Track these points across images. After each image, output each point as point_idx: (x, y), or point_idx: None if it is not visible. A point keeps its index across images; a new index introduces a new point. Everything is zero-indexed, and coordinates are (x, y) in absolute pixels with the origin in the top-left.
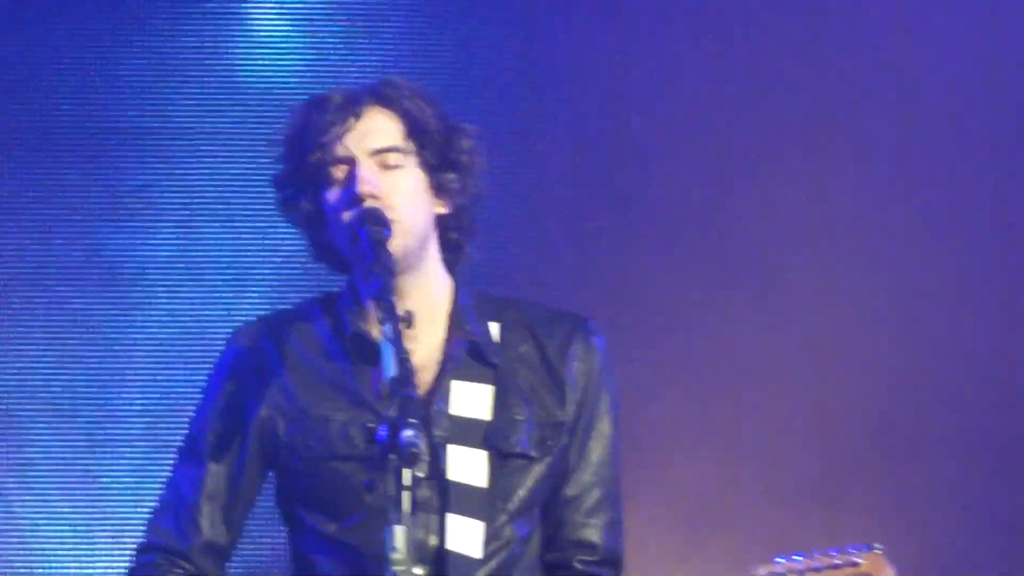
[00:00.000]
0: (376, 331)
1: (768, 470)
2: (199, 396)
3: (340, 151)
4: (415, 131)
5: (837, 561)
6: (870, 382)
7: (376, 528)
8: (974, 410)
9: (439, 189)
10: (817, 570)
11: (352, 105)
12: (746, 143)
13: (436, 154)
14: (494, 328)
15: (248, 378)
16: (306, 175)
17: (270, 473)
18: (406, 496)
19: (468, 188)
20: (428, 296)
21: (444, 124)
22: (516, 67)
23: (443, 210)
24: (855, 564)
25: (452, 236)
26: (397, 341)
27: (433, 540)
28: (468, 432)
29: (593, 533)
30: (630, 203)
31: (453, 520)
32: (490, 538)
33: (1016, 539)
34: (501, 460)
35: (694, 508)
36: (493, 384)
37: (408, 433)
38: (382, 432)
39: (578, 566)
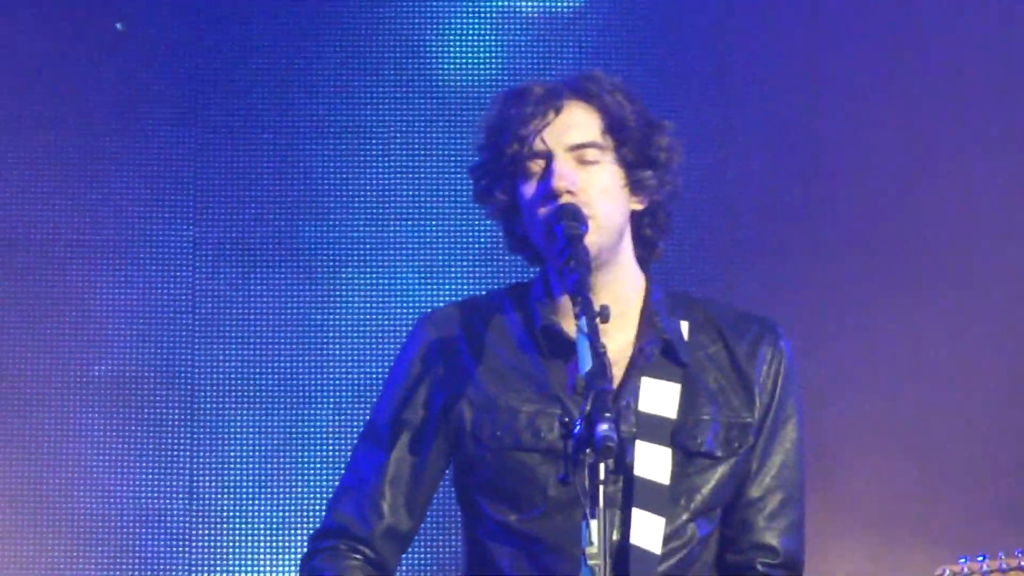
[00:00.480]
0: (567, 324)
1: (957, 472)
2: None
3: (538, 145)
4: (614, 127)
5: (1001, 563)
6: None
7: (558, 520)
8: None
9: (635, 185)
10: (1002, 571)
11: (552, 98)
12: (941, 144)
13: (634, 150)
14: (684, 327)
15: (435, 365)
16: (503, 167)
17: (451, 462)
18: (600, 491)
19: (665, 185)
20: (621, 292)
21: (643, 120)
22: (711, 68)
23: (638, 206)
24: (1022, 566)
25: (647, 232)
26: (593, 335)
27: (615, 534)
28: (655, 429)
29: (774, 536)
30: (822, 206)
31: (637, 515)
32: (671, 535)
33: None
34: (686, 459)
35: (883, 509)
36: (681, 383)
37: (603, 427)
38: (577, 426)
39: (759, 568)
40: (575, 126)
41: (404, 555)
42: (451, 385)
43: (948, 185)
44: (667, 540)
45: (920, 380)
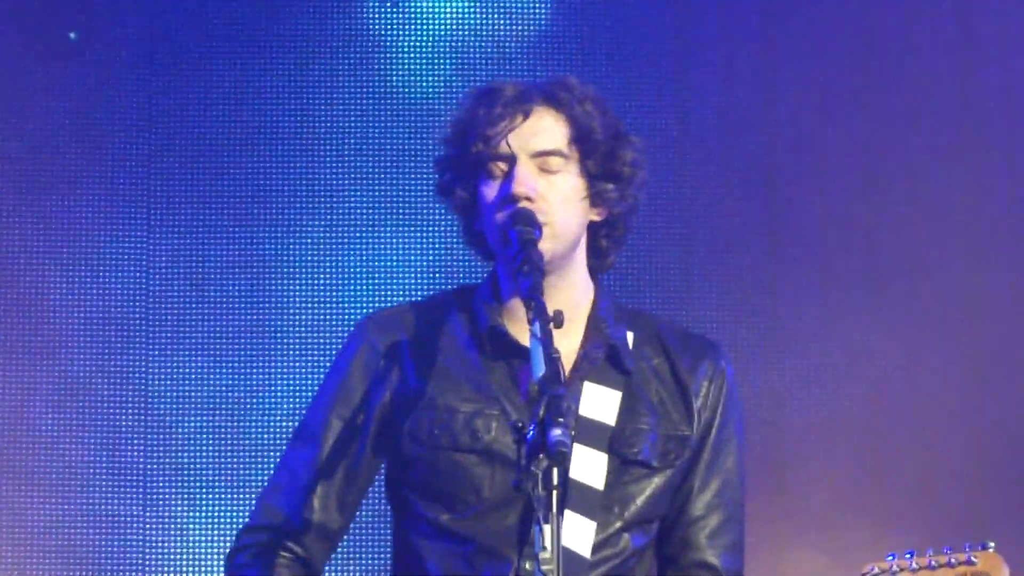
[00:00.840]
0: (513, 327)
1: (909, 476)
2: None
3: (502, 148)
4: (581, 138)
5: (952, 560)
6: (1012, 381)
7: (491, 521)
8: None
9: (596, 197)
10: (931, 568)
11: (522, 102)
12: (896, 148)
13: (598, 163)
14: (629, 337)
15: (374, 365)
16: (466, 164)
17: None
18: (554, 496)
19: (626, 199)
20: (570, 298)
21: (611, 133)
22: (668, 70)
23: (597, 217)
24: (971, 563)
25: (601, 243)
26: (547, 340)
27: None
28: (593, 434)
29: (715, 555)
30: (777, 207)
31: (569, 517)
32: (603, 543)
33: None
34: (622, 466)
35: (837, 514)
36: (622, 391)
37: (556, 432)
38: (531, 432)
39: None
40: (541, 132)
41: (332, 555)
42: (390, 384)
43: (903, 189)
44: (599, 547)
45: (874, 384)
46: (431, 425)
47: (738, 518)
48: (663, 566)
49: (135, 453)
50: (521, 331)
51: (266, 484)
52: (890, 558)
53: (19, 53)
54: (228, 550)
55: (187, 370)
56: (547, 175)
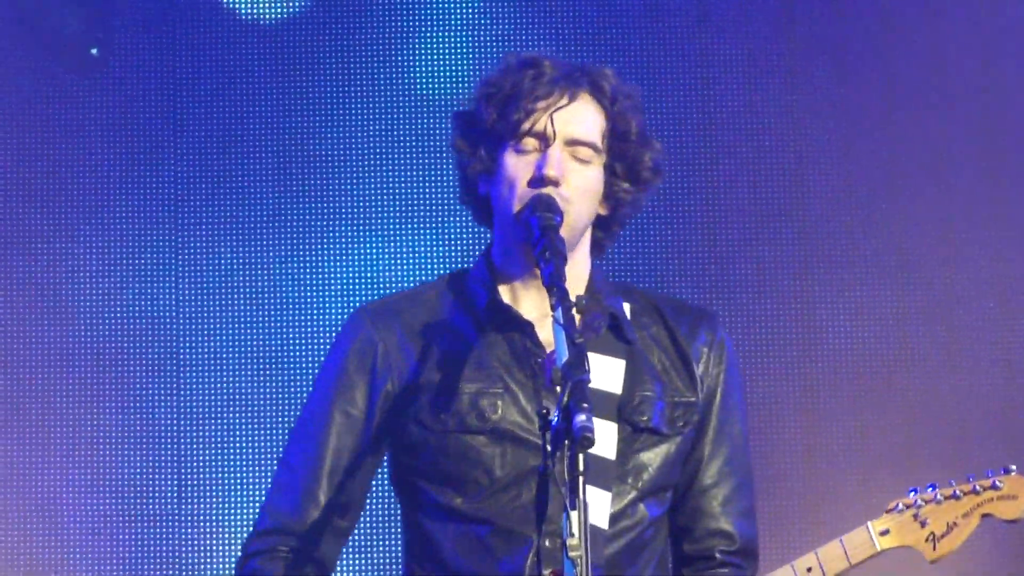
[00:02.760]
0: (513, 301)
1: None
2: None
3: (543, 125)
4: (615, 136)
5: (977, 486)
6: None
7: (504, 501)
8: None
9: (609, 193)
10: (956, 497)
11: (570, 84)
12: (917, 137)
13: (624, 164)
14: (627, 308)
15: (371, 355)
16: (497, 130)
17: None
18: (580, 482)
19: (637, 200)
20: (572, 279)
21: (641, 136)
22: (691, 64)
23: (604, 212)
24: (996, 487)
25: (599, 235)
26: (569, 325)
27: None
28: (601, 404)
29: (729, 522)
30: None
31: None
32: (619, 514)
33: None
34: (632, 434)
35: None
36: (626, 359)
37: (581, 418)
38: (555, 418)
39: (717, 556)
40: (582, 121)
41: (343, 551)
42: (390, 374)
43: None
44: (616, 519)
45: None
46: (436, 409)
47: (749, 483)
48: (678, 538)
49: (168, 453)
50: (523, 307)
51: (269, 486)
52: (912, 492)
53: (42, 70)
54: (237, 557)
55: (217, 370)
56: (576, 163)
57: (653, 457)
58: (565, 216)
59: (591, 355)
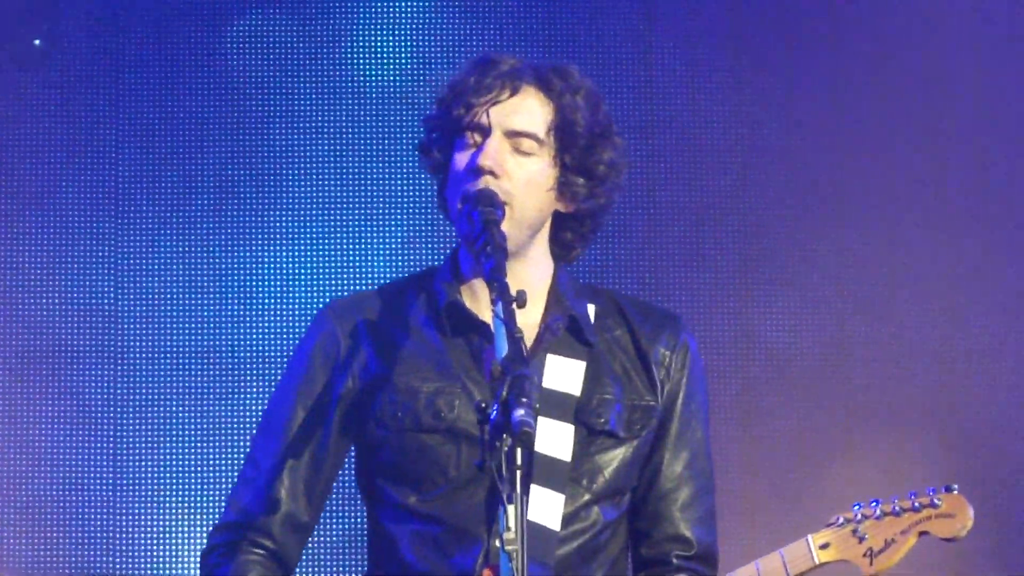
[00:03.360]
0: (472, 304)
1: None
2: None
3: (481, 118)
4: (561, 127)
5: (916, 503)
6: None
7: (458, 500)
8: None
9: (564, 188)
10: (895, 513)
11: (513, 78)
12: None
13: (574, 156)
14: (591, 309)
15: (334, 352)
16: (446, 128)
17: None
18: (517, 476)
19: (596, 196)
20: (529, 277)
21: (594, 129)
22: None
23: (564, 209)
24: (935, 505)
25: (567, 235)
26: (509, 320)
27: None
28: (558, 405)
29: (688, 527)
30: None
31: (536, 492)
32: (572, 516)
33: None
34: (588, 437)
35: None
36: (586, 361)
37: (520, 413)
38: (494, 412)
39: (675, 561)
40: (522, 112)
41: (305, 548)
42: (351, 371)
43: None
44: (569, 521)
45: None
46: (394, 407)
47: (709, 489)
48: (636, 541)
49: (105, 444)
50: (481, 308)
51: (235, 480)
52: (856, 507)
53: None
54: (201, 550)
55: (156, 362)
56: (518, 155)
57: (609, 460)
58: (509, 209)
59: (551, 357)
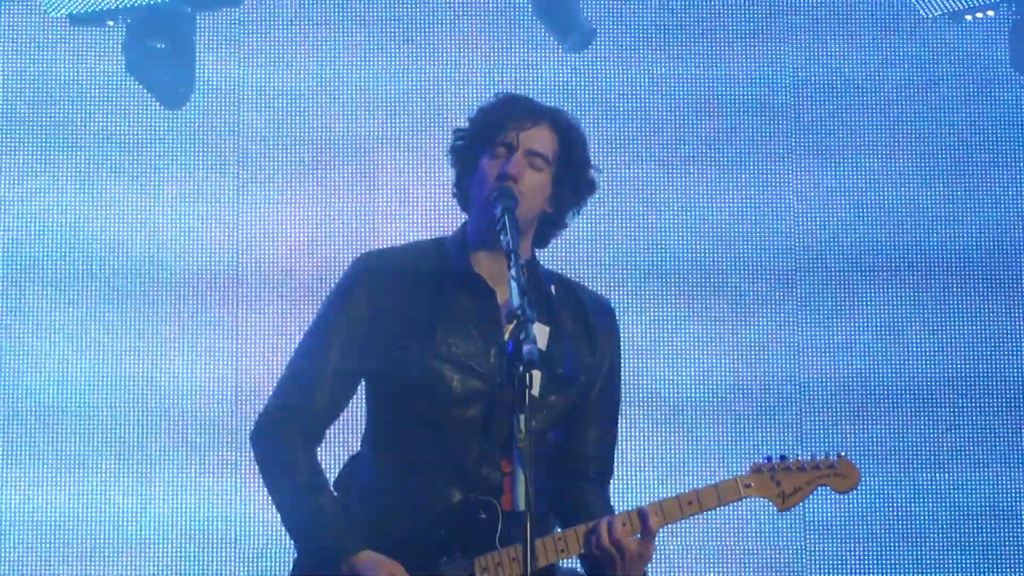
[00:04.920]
0: (479, 269)
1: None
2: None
3: (511, 138)
4: (564, 155)
5: (820, 463)
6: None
7: (456, 412)
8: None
9: (555, 196)
10: (803, 469)
11: (536, 115)
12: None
13: (569, 176)
14: (553, 288)
15: (371, 288)
16: (480, 139)
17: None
18: (526, 393)
19: (575, 205)
20: (522, 254)
21: (585, 161)
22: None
23: (549, 210)
24: (833, 466)
25: (544, 228)
26: (519, 280)
27: (504, 426)
28: None
29: (599, 452)
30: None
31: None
32: (537, 436)
33: None
34: (551, 380)
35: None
36: (550, 326)
37: (528, 346)
38: (510, 346)
39: (590, 473)
40: (540, 139)
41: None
42: (381, 308)
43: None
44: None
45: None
46: (418, 341)
47: (614, 431)
48: (564, 463)
49: None
50: (485, 272)
51: (284, 371)
52: (778, 459)
53: None
54: (251, 429)
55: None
56: (531, 170)
57: (562, 399)
58: (519, 205)
59: None
